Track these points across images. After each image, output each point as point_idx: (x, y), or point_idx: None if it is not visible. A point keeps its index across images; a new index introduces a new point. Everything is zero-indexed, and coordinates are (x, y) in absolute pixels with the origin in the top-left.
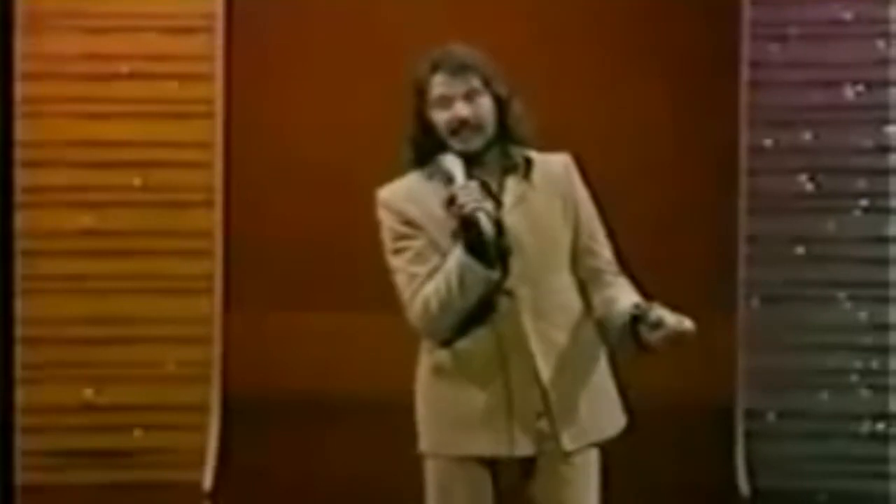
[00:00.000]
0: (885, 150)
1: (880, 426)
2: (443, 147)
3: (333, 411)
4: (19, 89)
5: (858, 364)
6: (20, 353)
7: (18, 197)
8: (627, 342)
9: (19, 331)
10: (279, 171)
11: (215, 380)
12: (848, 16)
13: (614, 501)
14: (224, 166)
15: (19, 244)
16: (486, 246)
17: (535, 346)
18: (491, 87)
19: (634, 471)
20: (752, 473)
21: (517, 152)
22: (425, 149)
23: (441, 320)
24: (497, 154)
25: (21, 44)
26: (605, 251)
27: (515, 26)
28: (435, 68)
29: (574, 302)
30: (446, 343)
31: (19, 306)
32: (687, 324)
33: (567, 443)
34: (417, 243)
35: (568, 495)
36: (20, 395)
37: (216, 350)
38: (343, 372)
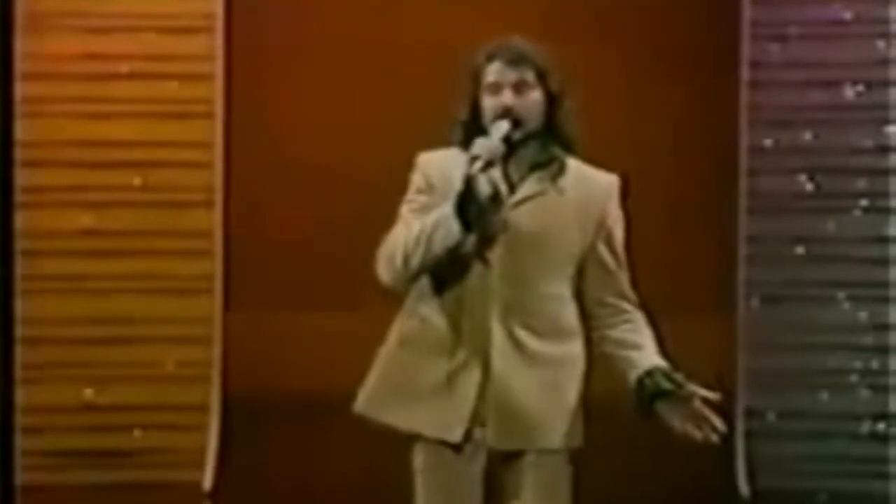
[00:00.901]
0: (884, 150)
1: (880, 426)
2: (485, 133)
3: (333, 411)
4: (19, 89)
5: (858, 364)
6: (20, 353)
7: (18, 197)
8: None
9: (19, 331)
10: (279, 171)
11: (215, 380)
12: (848, 16)
13: (613, 502)
14: (224, 166)
15: (19, 244)
16: (467, 197)
17: (497, 340)
18: (544, 81)
19: (634, 471)
20: (751, 474)
21: (556, 152)
22: (471, 133)
23: (402, 268)
24: (534, 149)
25: (21, 44)
26: (625, 280)
27: (515, 27)
28: (492, 57)
29: (562, 314)
30: (437, 293)
31: (19, 306)
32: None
33: (493, 440)
34: (425, 199)
35: (520, 493)
36: (20, 395)
37: (216, 350)
38: (343, 372)
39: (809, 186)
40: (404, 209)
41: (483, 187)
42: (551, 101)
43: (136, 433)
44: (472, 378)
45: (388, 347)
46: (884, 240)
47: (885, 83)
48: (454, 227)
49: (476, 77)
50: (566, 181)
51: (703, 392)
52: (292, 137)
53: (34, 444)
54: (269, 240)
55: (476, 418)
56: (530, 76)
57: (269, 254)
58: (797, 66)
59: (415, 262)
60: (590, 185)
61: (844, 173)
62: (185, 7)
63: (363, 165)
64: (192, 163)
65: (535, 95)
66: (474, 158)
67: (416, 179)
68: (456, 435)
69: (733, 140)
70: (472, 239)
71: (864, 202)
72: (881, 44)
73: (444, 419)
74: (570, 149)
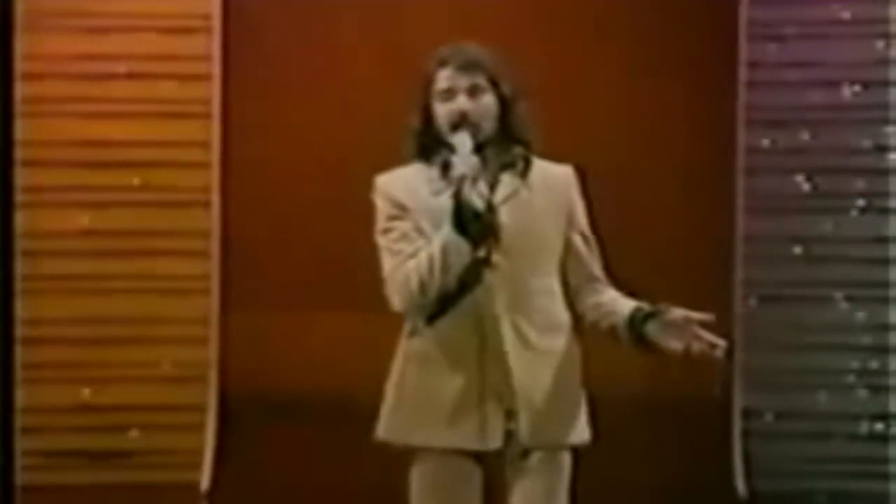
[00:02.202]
0: (882, 150)
1: (879, 426)
2: (442, 141)
3: (331, 411)
4: (19, 89)
5: (856, 364)
6: (20, 353)
7: (18, 197)
8: (629, 337)
9: (19, 331)
10: (277, 171)
11: (213, 380)
12: (846, 15)
13: (611, 502)
14: (222, 166)
15: (19, 244)
16: (464, 215)
17: (509, 340)
18: (497, 86)
19: (632, 471)
20: (749, 474)
21: (516, 151)
22: (426, 142)
23: (419, 296)
24: (495, 152)
25: (21, 44)
26: (597, 263)
27: (515, 28)
28: (443, 63)
29: (555, 309)
30: (429, 322)
31: (19, 306)
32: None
33: (526, 439)
34: (405, 225)
35: (529, 492)
36: (19, 396)
37: (213, 350)
38: (341, 372)
39: (807, 186)
40: (386, 240)
41: (477, 202)
42: (504, 104)
43: (134, 433)
44: (497, 382)
45: (398, 372)
46: (882, 240)
47: (884, 83)
48: (463, 246)
49: (427, 84)
50: (532, 177)
51: (693, 314)
52: (290, 137)
53: (34, 445)
54: (266, 240)
55: (508, 421)
56: (482, 80)
57: (267, 254)
58: (795, 66)
59: (432, 287)
60: (552, 178)
61: (842, 173)
62: (183, 7)
63: (362, 165)
64: (191, 163)
65: (488, 99)
66: (462, 178)
67: (384, 206)
68: (496, 442)
69: (731, 140)
70: (482, 253)
71: (861, 202)
72: (880, 44)
73: (483, 429)
74: (527, 148)
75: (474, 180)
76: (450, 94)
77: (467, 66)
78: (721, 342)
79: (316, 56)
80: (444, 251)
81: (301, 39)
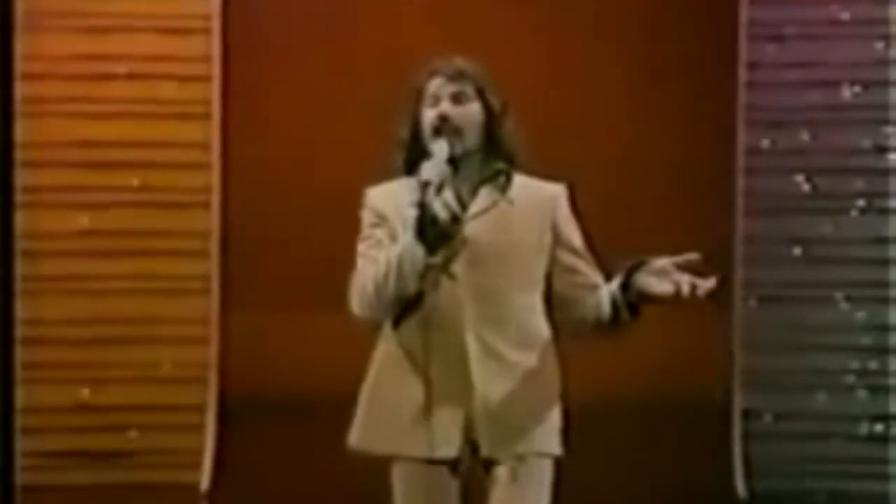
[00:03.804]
0: (882, 150)
1: (878, 427)
2: (427, 151)
3: (331, 412)
4: (19, 89)
5: (856, 365)
6: (20, 353)
7: (18, 197)
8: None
9: (19, 331)
10: (276, 171)
11: (212, 380)
12: (845, 16)
13: (611, 502)
14: (222, 167)
15: (19, 244)
16: (424, 222)
17: (473, 352)
18: (483, 97)
19: (631, 472)
20: (749, 475)
21: (498, 166)
22: (412, 153)
23: (375, 301)
24: (477, 164)
25: (21, 44)
26: (597, 273)
27: (515, 28)
28: (433, 73)
29: (535, 325)
30: (395, 326)
31: (19, 306)
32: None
33: (485, 449)
34: (380, 233)
35: (501, 499)
36: (19, 396)
37: (213, 350)
38: (341, 372)
39: (807, 187)
40: (362, 247)
41: (440, 210)
42: (491, 116)
43: (134, 434)
44: (456, 393)
45: (368, 378)
46: (881, 240)
47: (883, 83)
48: (419, 253)
49: (418, 95)
50: (514, 193)
51: (676, 258)
52: (290, 138)
53: (34, 445)
54: (266, 240)
55: (467, 432)
56: (469, 89)
57: (267, 254)
58: (794, 67)
59: (388, 293)
60: (537, 195)
61: (842, 174)
62: (182, 8)
63: (362, 165)
64: (190, 163)
65: (474, 107)
66: (426, 184)
67: (367, 216)
68: (451, 451)
69: (731, 140)
70: (438, 260)
71: (861, 203)
72: (879, 44)
73: (437, 438)
74: (512, 165)
75: (440, 188)
76: (436, 100)
77: (455, 75)
78: (709, 281)
79: (316, 56)
80: (400, 258)
81: (301, 40)
